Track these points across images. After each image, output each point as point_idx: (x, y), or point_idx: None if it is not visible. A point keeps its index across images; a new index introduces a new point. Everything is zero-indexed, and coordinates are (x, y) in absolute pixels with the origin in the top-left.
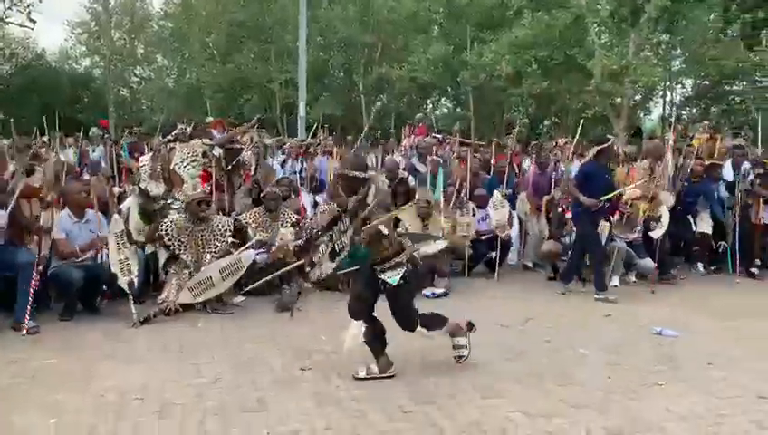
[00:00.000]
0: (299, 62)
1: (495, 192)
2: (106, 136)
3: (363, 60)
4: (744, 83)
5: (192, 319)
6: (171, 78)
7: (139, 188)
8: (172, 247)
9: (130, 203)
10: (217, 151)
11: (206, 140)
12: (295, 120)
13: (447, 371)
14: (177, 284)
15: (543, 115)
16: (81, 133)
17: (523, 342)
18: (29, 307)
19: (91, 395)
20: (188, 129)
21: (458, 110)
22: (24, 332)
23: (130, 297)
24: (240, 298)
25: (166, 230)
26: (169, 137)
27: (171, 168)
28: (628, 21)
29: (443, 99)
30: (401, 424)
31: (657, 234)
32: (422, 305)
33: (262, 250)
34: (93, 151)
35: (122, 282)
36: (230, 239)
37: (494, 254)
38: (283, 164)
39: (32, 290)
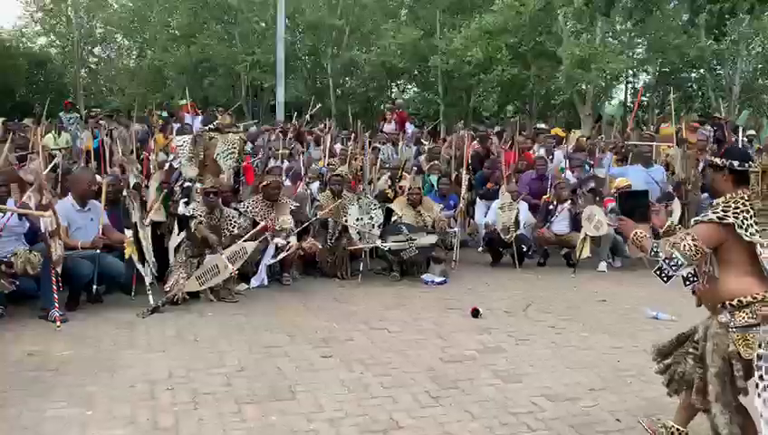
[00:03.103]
0: (276, 46)
1: (506, 193)
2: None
3: (331, 43)
4: (702, 71)
5: (200, 308)
6: (132, 59)
7: (171, 165)
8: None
9: (155, 178)
10: (249, 146)
11: (242, 135)
12: (257, 104)
13: (463, 357)
14: (185, 272)
15: (509, 101)
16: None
17: (529, 327)
18: (55, 295)
19: (120, 386)
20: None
21: (426, 94)
22: (58, 323)
23: (148, 285)
24: (243, 286)
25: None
26: (210, 126)
27: (213, 157)
28: (602, 9)
29: (411, 83)
30: (433, 409)
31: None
32: (424, 292)
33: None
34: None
35: (150, 267)
36: (236, 230)
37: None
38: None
39: (53, 277)
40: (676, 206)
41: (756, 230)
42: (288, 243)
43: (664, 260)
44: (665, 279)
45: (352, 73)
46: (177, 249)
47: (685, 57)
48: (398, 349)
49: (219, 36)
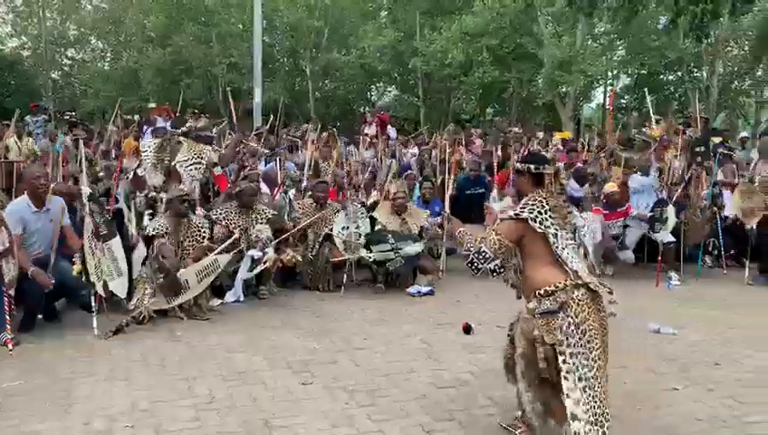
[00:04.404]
0: (253, 47)
1: (507, 198)
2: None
3: (310, 45)
4: (680, 73)
5: (168, 327)
6: (106, 61)
7: (135, 173)
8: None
9: (122, 187)
10: (220, 171)
11: (214, 156)
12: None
13: (456, 381)
14: (150, 288)
15: (489, 104)
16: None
17: None
18: (7, 316)
19: (73, 423)
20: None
21: (406, 97)
22: (10, 346)
23: (94, 309)
24: (216, 302)
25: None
26: (180, 130)
27: (174, 163)
28: (585, 9)
29: (390, 86)
30: None
31: (661, 236)
32: (410, 305)
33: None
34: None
35: (99, 288)
36: (206, 243)
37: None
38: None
39: (5, 298)
40: (671, 211)
41: (551, 224)
42: (264, 254)
43: (474, 254)
44: (474, 271)
45: (331, 76)
46: (143, 262)
47: (664, 59)
48: (385, 372)
49: (196, 37)
